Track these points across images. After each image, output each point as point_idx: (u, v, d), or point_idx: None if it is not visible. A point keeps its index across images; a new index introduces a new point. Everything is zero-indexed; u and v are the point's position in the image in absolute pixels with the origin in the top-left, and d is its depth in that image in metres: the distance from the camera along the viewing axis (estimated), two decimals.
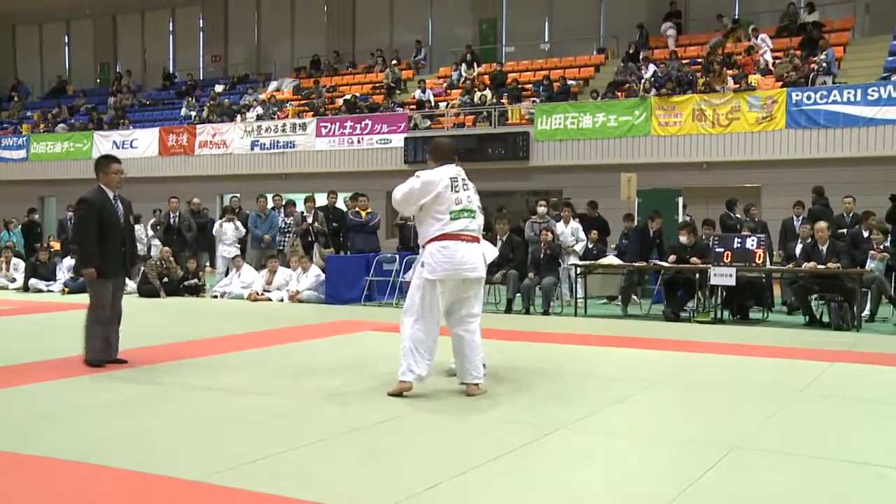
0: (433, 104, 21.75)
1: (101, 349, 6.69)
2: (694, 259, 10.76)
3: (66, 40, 32.72)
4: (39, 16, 31.57)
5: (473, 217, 5.74)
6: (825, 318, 10.12)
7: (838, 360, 7.45)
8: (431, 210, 5.64)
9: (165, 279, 13.59)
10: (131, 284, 13.96)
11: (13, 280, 15.27)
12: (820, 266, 10.04)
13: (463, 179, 5.76)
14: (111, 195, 6.88)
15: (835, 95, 16.61)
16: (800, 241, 11.07)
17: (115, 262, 6.84)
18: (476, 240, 5.76)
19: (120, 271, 6.94)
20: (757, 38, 19.28)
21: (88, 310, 6.80)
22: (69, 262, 14.26)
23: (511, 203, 18.81)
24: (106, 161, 7.05)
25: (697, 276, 10.57)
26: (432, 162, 5.86)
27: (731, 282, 10.12)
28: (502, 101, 20.75)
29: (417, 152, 20.05)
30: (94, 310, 6.77)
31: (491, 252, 6.27)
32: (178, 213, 14.96)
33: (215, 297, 13.60)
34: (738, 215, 13.27)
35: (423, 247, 5.71)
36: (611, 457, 4.33)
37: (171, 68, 30.16)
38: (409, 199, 5.72)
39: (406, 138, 20.36)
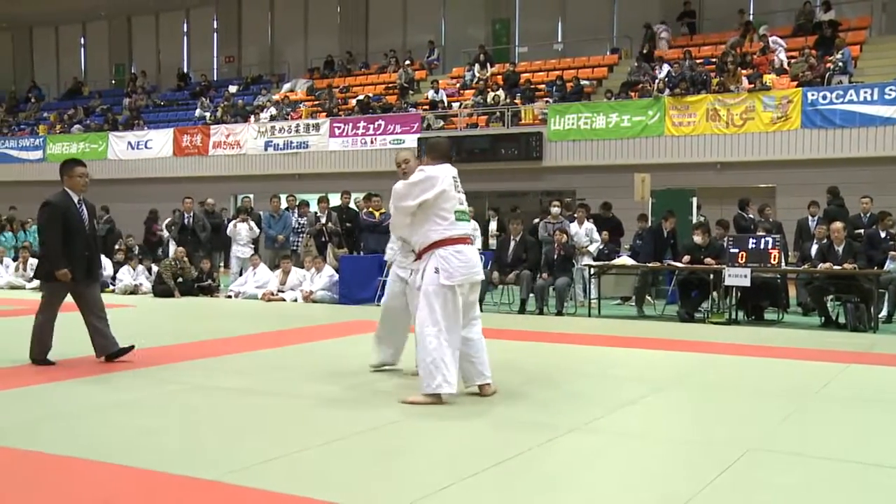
0: (446, 104, 21.76)
1: (48, 348, 6.75)
2: (708, 260, 10.71)
3: (82, 42, 32.96)
4: (56, 18, 31.81)
5: (469, 220, 5.75)
6: (841, 320, 10.06)
7: (855, 361, 7.40)
8: (435, 208, 5.45)
9: (180, 279, 13.65)
10: (146, 285, 14.08)
11: (30, 280, 15.38)
12: (836, 267, 9.97)
13: (458, 182, 5.70)
14: (76, 199, 6.83)
15: (851, 95, 16.50)
16: (815, 241, 11.00)
17: (79, 266, 6.74)
18: (473, 242, 5.77)
19: (83, 275, 6.80)
20: (768, 41, 19.18)
21: (40, 311, 6.77)
22: None
23: (525, 203, 18.81)
24: (70, 164, 6.95)
25: (712, 276, 10.52)
26: (429, 160, 5.70)
27: (746, 282, 10.07)
28: (515, 101, 20.74)
29: None
30: (46, 311, 6.76)
31: None
32: (192, 214, 15.02)
33: (229, 297, 13.65)
34: (750, 215, 13.21)
35: (427, 251, 5.47)
36: (625, 458, 4.31)
37: (185, 69, 30.32)
38: (411, 192, 5.49)
39: (419, 139, 20.32)
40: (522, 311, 11.51)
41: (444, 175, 5.54)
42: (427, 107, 21.74)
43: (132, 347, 6.90)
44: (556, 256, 11.67)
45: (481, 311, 11.49)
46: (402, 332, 6.49)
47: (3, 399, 5.57)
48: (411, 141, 20.52)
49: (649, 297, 12.21)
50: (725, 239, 10.96)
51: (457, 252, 5.45)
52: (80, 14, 31.39)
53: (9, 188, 25.35)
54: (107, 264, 15.04)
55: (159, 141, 24.41)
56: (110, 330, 6.89)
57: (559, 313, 11.27)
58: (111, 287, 14.32)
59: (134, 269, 14.45)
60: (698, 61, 19.77)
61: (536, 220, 14.39)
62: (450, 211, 5.49)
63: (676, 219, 12.63)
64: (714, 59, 19.53)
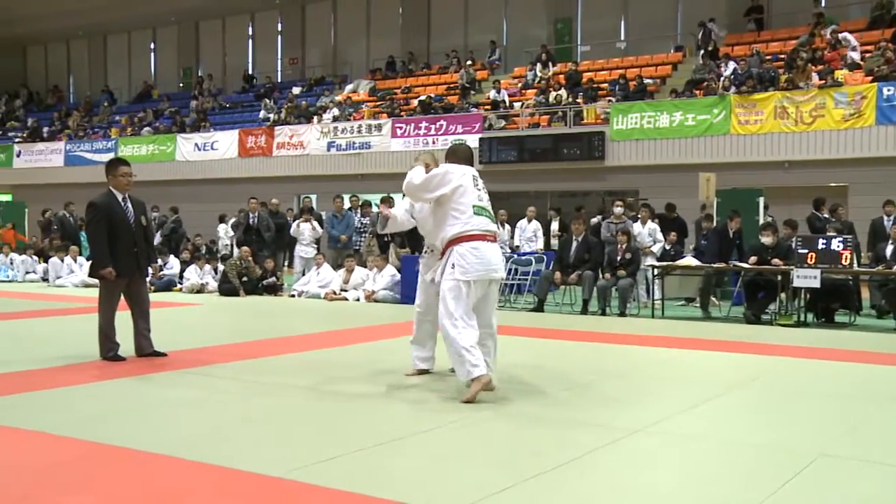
0: (508, 104, 21.70)
1: (116, 345, 6.92)
2: (776, 260, 10.45)
3: (152, 47, 33.87)
4: (128, 24, 32.75)
5: (492, 218, 5.80)
6: None
7: None
8: (452, 202, 5.60)
9: (245, 278, 13.91)
10: (212, 284, 14.40)
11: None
12: None
13: (478, 181, 5.78)
14: (120, 197, 7.02)
15: None
16: (891, 241, 10.66)
17: (127, 263, 6.93)
18: (496, 240, 5.79)
19: (132, 271, 7.02)
20: (837, 38, 18.59)
21: (99, 309, 6.94)
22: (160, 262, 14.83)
23: (587, 203, 18.64)
24: (115, 164, 7.18)
25: (780, 277, 10.26)
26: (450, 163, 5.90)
27: (816, 284, 9.79)
28: (578, 100, 20.57)
29: (492, 153, 20.02)
30: (105, 308, 6.92)
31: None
32: (257, 214, 15.29)
33: (293, 296, 13.85)
34: (825, 215, 12.86)
35: (448, 248, 5.59)
36: (689, 462, 4.23)
37: (250, 71, 30.89)
38: (427, 185, 5.67)
39: (481, 139, 20.34)
40: (585, 311, 11.41)
41: (463, 172, 5.70)
42: (489, 107, 21.72)
43: (165, 354, 7.06)
44: (619, 258, 11.52)
45: (543, 311, 11.48)
46: (435, 336, 6.47)
47: (71, 394, 5.75)
48: (472, 141, 20.52)
49: (714, 299, 11.97)
50: (793, 239, 10.68)
51: (473, 248, 5.53)
52: (152, 19, 32.24)
53: (84, 189, 25.96)
54: (174, 263, 15.43)
55: (225, 142, 24.91)
56: (148, 328, 7.09)
57: (622, 314, 11.14)
58: (178, 286, 14.68)
59: (201, 269, 14.78)
60: (766, 58, 19.30)
61: (595, 220, 14.25)
62: (467, 206, 5.60)
63: (741, 218, 12.38)
64: (782, 56, 19.04)
